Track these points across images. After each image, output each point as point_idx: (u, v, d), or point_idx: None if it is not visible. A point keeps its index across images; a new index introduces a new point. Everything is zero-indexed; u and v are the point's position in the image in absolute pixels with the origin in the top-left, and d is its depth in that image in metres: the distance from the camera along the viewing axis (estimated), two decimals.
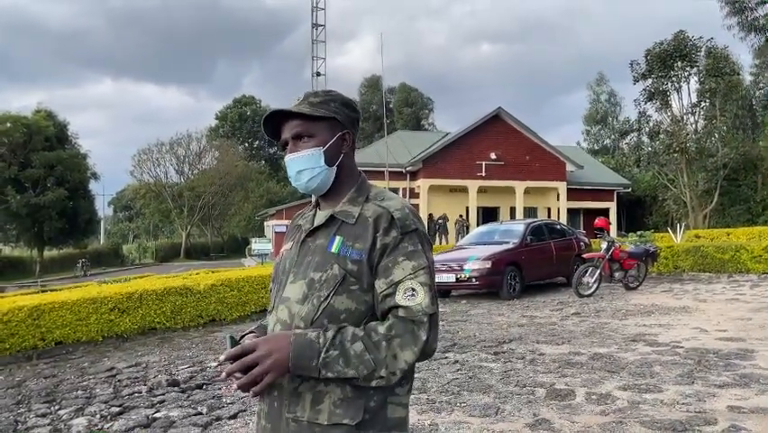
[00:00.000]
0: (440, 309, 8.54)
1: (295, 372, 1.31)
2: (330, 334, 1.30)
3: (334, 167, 1.48)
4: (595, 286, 11.11)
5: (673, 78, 28.93)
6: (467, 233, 21.00)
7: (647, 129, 30.43)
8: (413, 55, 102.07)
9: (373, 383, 1.31)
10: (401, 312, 1.33)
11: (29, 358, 6.97)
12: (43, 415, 4.67)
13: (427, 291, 1.35)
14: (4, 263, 36.50)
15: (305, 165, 1.46)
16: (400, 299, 1.33)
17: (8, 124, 35.14)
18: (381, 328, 1.32)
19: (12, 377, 6.11)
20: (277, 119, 1.51)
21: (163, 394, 5.13)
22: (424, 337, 1.32)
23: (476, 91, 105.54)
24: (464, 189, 28.17)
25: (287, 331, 1.35)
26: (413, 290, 1.34)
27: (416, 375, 5.25)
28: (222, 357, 1.35)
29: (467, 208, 28.12)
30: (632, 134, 32.46)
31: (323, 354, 1.28)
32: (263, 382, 1.30)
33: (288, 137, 1.48)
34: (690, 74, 28.93)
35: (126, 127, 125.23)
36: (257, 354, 1.30)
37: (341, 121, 1.49)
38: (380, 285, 1.36)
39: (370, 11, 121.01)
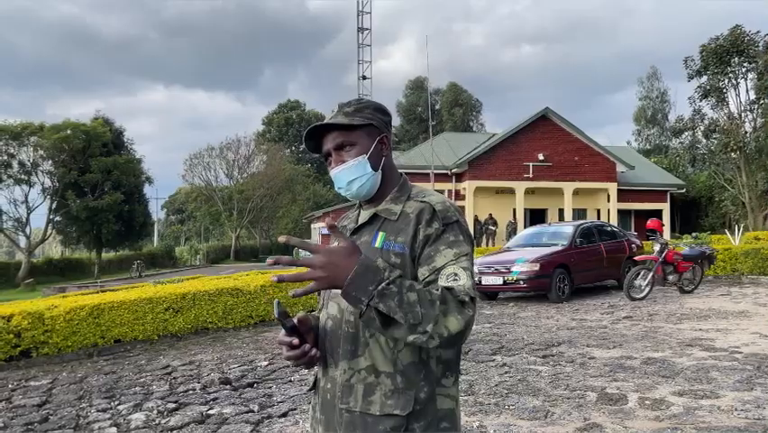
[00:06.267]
0: (487, 312, 8.36)
1: (347, 290, 1.24)
2: (396, 273, 1.29)
3: (379, 171, 1.54)
4: (647, 289, 10.82)
5: (730, 75, 27.88)
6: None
7: (702, 127, 29.39)
8: (454, 57, 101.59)
9: (412, 337, 1.26)
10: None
11: (90, 355, 7.29)
12: (104, 410, 4.88)
13: (469, 276, 1.37)
14: (66, 265, 38.14)
15: (353, 175, 1.51)
16: (443, 282, 1.35)
17: (68, 131, 36.56)
18: (436, 291, 1.30)
19: (74, 373, 6.40)
20: (318, 133, 1.56)
21: (216, 392, 5.29)
22: (471, 313, 1.31)
23: (518, 92, 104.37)
24: (511, 191, 27.82)
25: (355, 250, 1.29)
26: (455, 274, 1.35)
27: (463, 377, 5.26)
28: (274, 278, 1.30)
29: (514, 210, 27.76)
30: (686, 133, 31.40)
31: (383, 284, 1.24)
32: (305, 287, 1.25)
33: (331, 148, 1.53)
34: (747, 70, 27.84)
35: (177, 132, 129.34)
36: (314, 260, 1.26)
37: (377, 126, 1.55)
38: (423, 272, 1.39)
39: (409, 14, 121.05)
